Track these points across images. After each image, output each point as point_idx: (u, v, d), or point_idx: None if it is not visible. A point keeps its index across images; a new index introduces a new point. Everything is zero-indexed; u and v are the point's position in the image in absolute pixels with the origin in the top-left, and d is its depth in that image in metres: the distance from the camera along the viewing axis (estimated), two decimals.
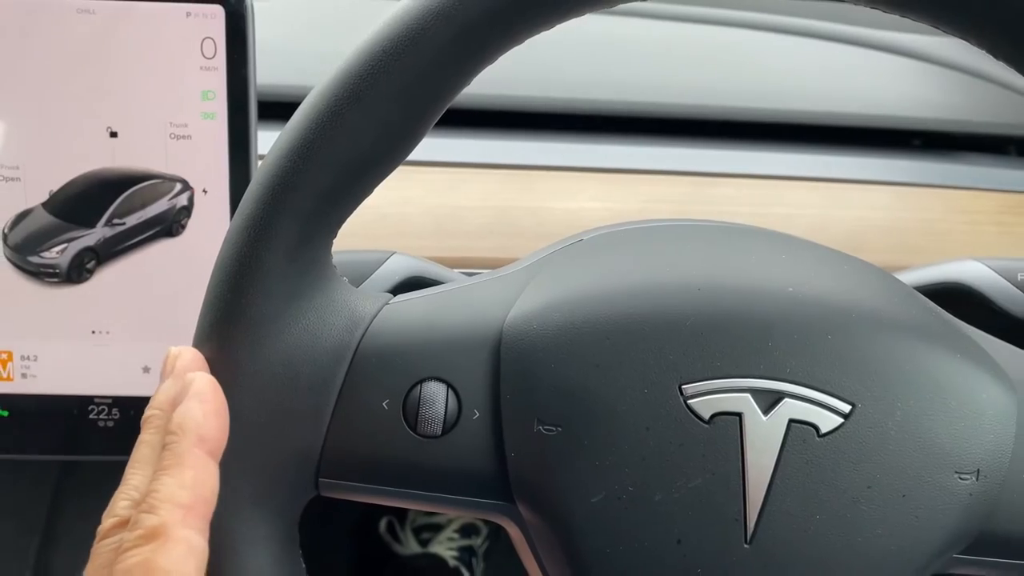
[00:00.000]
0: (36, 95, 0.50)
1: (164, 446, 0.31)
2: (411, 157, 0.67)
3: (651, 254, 0.35)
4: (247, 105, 0.50)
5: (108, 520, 0.31)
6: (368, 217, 0.63)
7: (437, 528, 1.04)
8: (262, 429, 0.32)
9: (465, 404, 0.33)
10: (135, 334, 0.52)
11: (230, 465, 0.32)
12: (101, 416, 0.52)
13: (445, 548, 1.00)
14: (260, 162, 0.34)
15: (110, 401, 0.52)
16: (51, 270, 0.51)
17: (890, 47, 0.70)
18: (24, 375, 0.52)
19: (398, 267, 0.45)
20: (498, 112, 0.68)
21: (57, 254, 0.51)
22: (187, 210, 0.51)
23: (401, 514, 1.03)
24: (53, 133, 0.50)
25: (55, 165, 0.50)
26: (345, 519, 1.01)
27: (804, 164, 0.67)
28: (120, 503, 0.31)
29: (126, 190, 0.51)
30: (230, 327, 0.32)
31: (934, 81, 0.73)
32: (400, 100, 0.32)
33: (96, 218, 0.51)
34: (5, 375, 0.52)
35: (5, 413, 0.52)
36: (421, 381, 0.33)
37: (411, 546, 1.00)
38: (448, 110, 0.69)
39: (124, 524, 0.30)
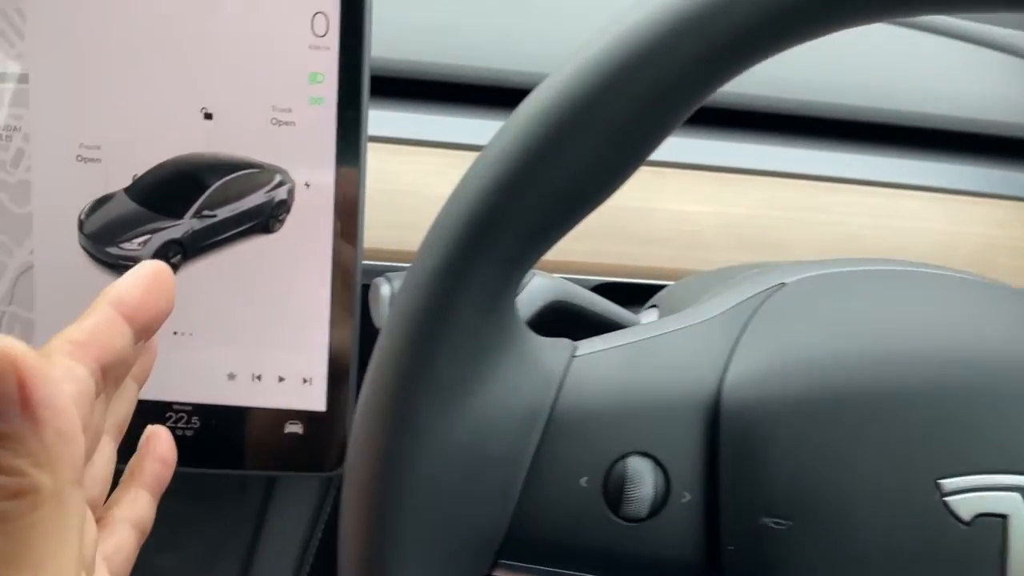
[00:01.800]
0: (124, 66, 0.44)
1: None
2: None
3: (878, 308, 0.30)
4: (360, 91, 0.45)
5: None
6: None
7: None
8: (442, 506, 0.28)
9: (675, 484, 0.28)
10: (220, 337, 0.47)
11: (402, 542, 0.27)
12: (179, 424, 0.48)
13: None
14: (454, 192, 0.29)
15: (190, 408, 0.48)
16: (132, 263, 0.46)
17: None
18: None
19: (540, 290, 0.40)
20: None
21: (139, 246, 0.46)
22: (286, 205, 0.46)
23: None
24: (141, 111, 0.45)
25: (141, 147, 0.45)
26: None
27: (926, 172, 0.62)
28: None
29: (219, 179, 0.46)
30: (413, 390, 0.28)
31: None
32: (628, 128, 0.27)
33: (184, 208, 0.46)
34: None
35: None
36: (625, 455, 0.29)
37: None
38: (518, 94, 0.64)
39: None
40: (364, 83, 0.45)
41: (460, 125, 0.60)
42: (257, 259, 0.46)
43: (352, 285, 0.47)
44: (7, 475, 0.24)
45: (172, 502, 0.72)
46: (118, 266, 0.46)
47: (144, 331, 0.32)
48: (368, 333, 0.51)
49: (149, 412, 0.47)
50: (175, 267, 0.46)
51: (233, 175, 0.46)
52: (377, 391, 0.28)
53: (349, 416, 0.48)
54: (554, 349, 0.30)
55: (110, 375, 0.31)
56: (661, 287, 0.50)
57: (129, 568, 0.34)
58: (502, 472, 0.28)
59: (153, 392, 0.47)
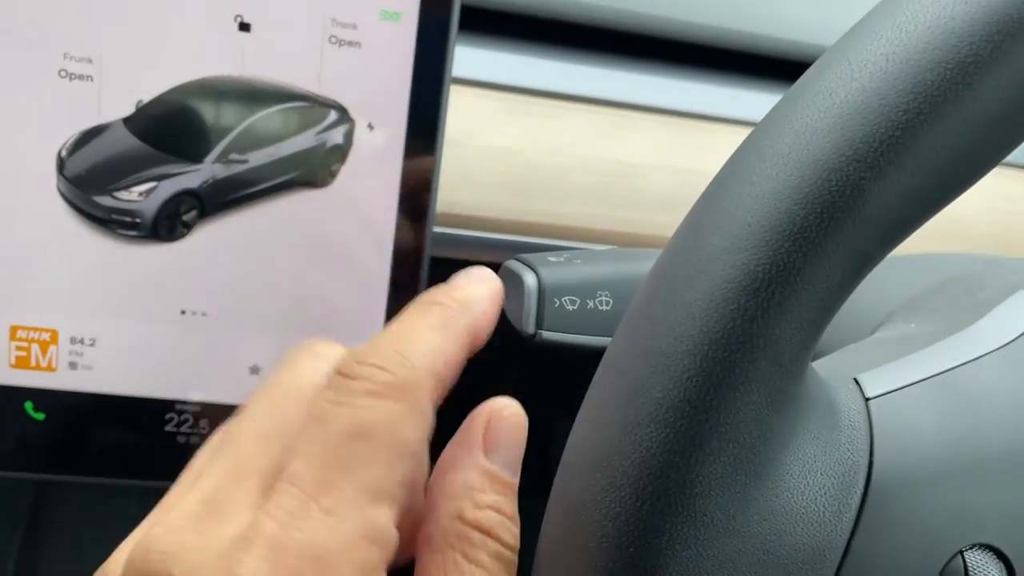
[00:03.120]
0: None
1: (435, 303, 0.25)
2: (558, 88, 0.52)
3: None
4: (450, 5, 0.34)
5: (346, 364, 0.22)
6: (514, 167, 0.49)
7: None
8: None
9: None
10: (244, 320, 0.36)
11: None
12: (183, 429, 0.37)
13: None
14: (729, 196, 0.19)
15: (197, 409, 0.37)
16: (129, 219, 0.35)
17: None
18: (74, 365, 0.36)
19: None
20: (665, 41, 0.53)
21: (140, 196, 0.35)
22: (341, 151, 0.35)
23: None
24: (151, 13, 0.33)
25: (149, 63, 0.33)
26: None
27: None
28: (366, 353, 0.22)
29: (254, 113, 0.34)
30: (695, 459, 0.18)
31: None
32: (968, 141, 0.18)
33: (204, 149, 0.35)
34: (45, 363, 0.36)
35: (41, 416, 0.36)
36: (962, 550, 0.20)
37: None
38: (604, 35, 0.54)
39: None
40: None
41: (510, 63, 0.49)
42: (298, 220, 0.35)
43: (420, 260, 0.37)
44: None
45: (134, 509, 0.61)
46: (110, 222, 0.34)
47: None
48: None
49: (143, 412, 0.36)
50: (188, 226, 0.35)
51: (273, 108, 0.34)
52: (628, 454, 0.18)
53: None
54: (843, 388, 0.21)
55: None
56: None
57: None
58: (809, 570, 0.19)
59: (150, 387, 0.36)
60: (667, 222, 0.48)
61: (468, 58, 0.49)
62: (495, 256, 0.47)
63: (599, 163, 0.48)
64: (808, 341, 0.19)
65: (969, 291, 0.27)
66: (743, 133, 0.52)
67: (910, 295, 0.30)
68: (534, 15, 0.50)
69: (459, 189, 0.45)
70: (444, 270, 0.42)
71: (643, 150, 0.49)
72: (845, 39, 0.20)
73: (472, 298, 0.25)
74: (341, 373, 0.22)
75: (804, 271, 0.18)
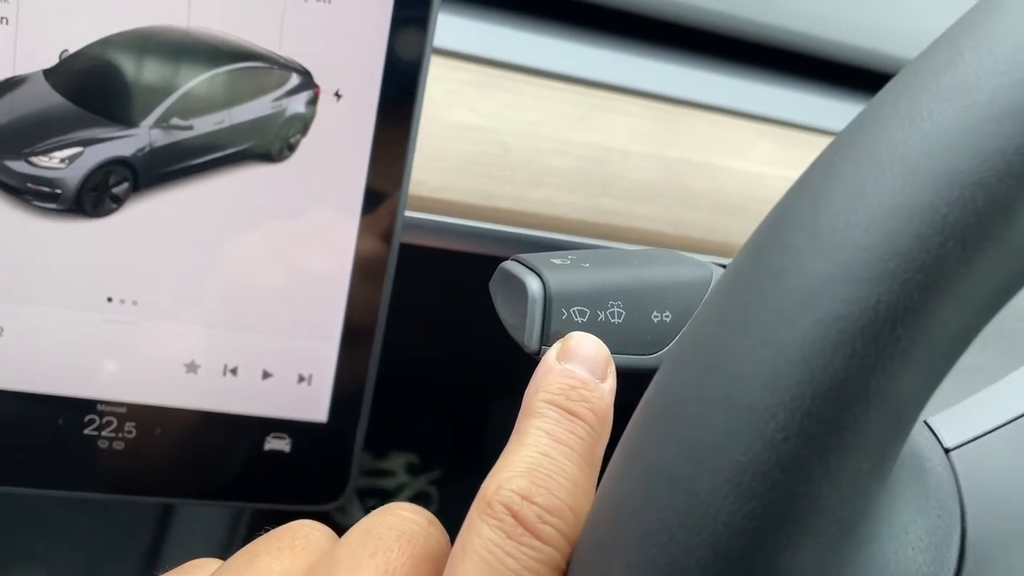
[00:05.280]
0: None
1: (576, 418, 0.22)
2: (534, 64, 0.48)
3: None
4: None
5: (504, 492, 0.20)
6: (490, 148, 0.44)
7: (384, 495, 0.87)
8: None
9: None
10: (181, 311, 0.31)
11: None
12: (105, 433, 0.32)
13: None
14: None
15: (123, 411, 0.32)
16: (47, 188, 0.30)
17: None
18: None
19: None
20: (650, 20, 0.49)
21: (62, 163, 0.30)
22: (303, 121, 0.30)
23: None
24: None
25: (79, 7, 0.28)
26: None
27: None
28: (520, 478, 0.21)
29: (202, 72, 0.29)
30: (784, 560, 0.14)
31: None
32: None
33: (141, 112, 0.30)
34: None
35: None
36: None
37: (356, 515, 0.83)
38: (586, 9, 0.50)
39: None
40: None
41: (483, 32, 0.45)
42: (248, 198, 0.31)
43: (387, 248, 0.32)
44: None
45: (47, 508, 0.55)
46: (25, 191, 0.29)
47: None
48: (402, 306, 0.37)
49: (60, 412, 0.32)
50: (118, 200, 0.30)
51: (224, 68, 0.30)
52: (697, 529, 0.14)
53: (359, 432, 0.34)
54: (919, 437, 0.18)
55: None
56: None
57: None
58: None
59: (68, 384, 0.31)
60: (648, 214, 0.45)
61: (439, 25, 0.44)
62: (465, 245, 0.43)
63: (576, 147, 0.44)
64: (927, 395, 0.15)
65: (1017, 314, 0.25)
66: (728, 122, 0.49)
67: None
68: None
69: (423, 168, 0.41)
70: (409, 258, 0.37)
71: (622, 135, 0.46)
72: (974, 20, 0.16)
73: (607, 412, 0.22)
74: (512, 511, 0.20)
75: (938, 311, 0.14)
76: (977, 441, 0.18)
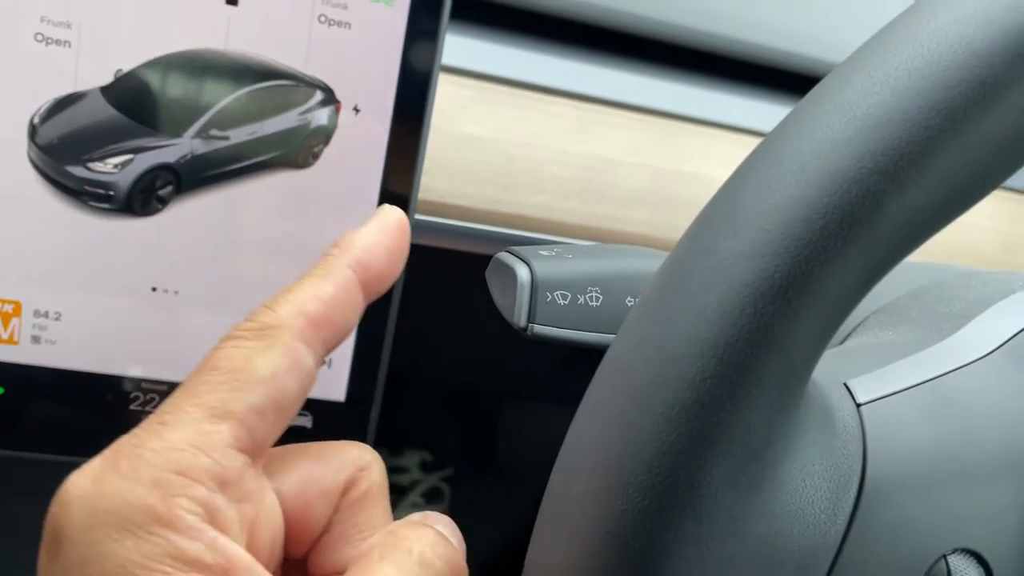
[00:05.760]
0: None
1: (322, 253, 0.27)
2: (534, 80, 0.52)
3: None
4: None
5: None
6: (494, 159, 0.48)
7: (399, 490, 0.91)
8: None
9: None
10: (216, 300, 0.36)
11: None
12: (149, 408, 0.36)
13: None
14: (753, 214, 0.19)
15: (165, 389, 0.36)
16: (102, 191, 0.34)
17: None
18: (36, 339, 0.35)
19: None
20: (643, 39, 0.53)
21: (115, 168, 0.34)
22: (325, 133, 0.35)
23: None
24: None
25: (131, 31, 0.32)
26: None
27: None
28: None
29: (238, 89, 0.34)
30: (707, 457, 0.18)
31: None
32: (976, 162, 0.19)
33: (184, 124, 0.34)
34: (7, 336, 0.35)
35: (0, 390, 0.35)
36: (946, 554, 0.21)
37: None
38: (582, 30, 0.54)
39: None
40: None
41: (490, 52, 0.49)
42: (277, 201, 0.35)
43: None
44: None
45: None
46: (82, 193, 0.34)
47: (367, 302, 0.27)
48: (413, 306, 0.40)
49: (107, 389, 0.36)
50: (163, 202, 0.34)
51: (257, 85, 0.34)
52: (635, 454, 0.18)
53: (374, 411, 0.38)
54: (835, 392, 0.22)
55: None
56: None
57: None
58: (803, 571, 0.19)
59: (115, 364, 0.35)
60: (639, 218, 0.49)
61: (446, 45, 0.48)
62: (470, 246, 0.47)
63: (573, 157, 0.48)
64: (818, 348, 0.19)
65: (944, 301, 0.28)
66: (714, 134, 0.53)
67: (881, 303, 0.30)
68: (512, 5, 0.50)
69: (433, 175, 0.45)
70: (418, 258, 0.41)
71: (617, 146, 0.49)
72: (863, 53, 0.20)
73: (355, 236, 0.27)
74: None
75: (821, 279, 0.18)
76: (885, 399, 0.22)
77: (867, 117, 0.19)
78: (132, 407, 0.36)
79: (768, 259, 0.18)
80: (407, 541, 0.24)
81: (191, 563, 0.21)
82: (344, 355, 0.37)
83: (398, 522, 0.26)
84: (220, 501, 0.22)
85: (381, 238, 0.27)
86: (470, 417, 0.89)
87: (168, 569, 0.21)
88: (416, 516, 0.26)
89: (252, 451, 0.23)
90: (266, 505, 0.24)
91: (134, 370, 0.36)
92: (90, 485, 0.22)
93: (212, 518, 0.22)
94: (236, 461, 0.23)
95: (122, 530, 0.21)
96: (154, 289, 0.35)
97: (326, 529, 0.26)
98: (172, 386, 0.36)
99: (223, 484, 0.22)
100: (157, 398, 0.36)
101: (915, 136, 0.18)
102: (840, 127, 0.19)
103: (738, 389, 0.18)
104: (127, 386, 0.36)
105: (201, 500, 0.22)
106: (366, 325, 0.37)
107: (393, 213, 0.28)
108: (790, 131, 0.20)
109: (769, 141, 0.20)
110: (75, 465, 0.38)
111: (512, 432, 0.90)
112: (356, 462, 0.26)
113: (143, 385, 0.36)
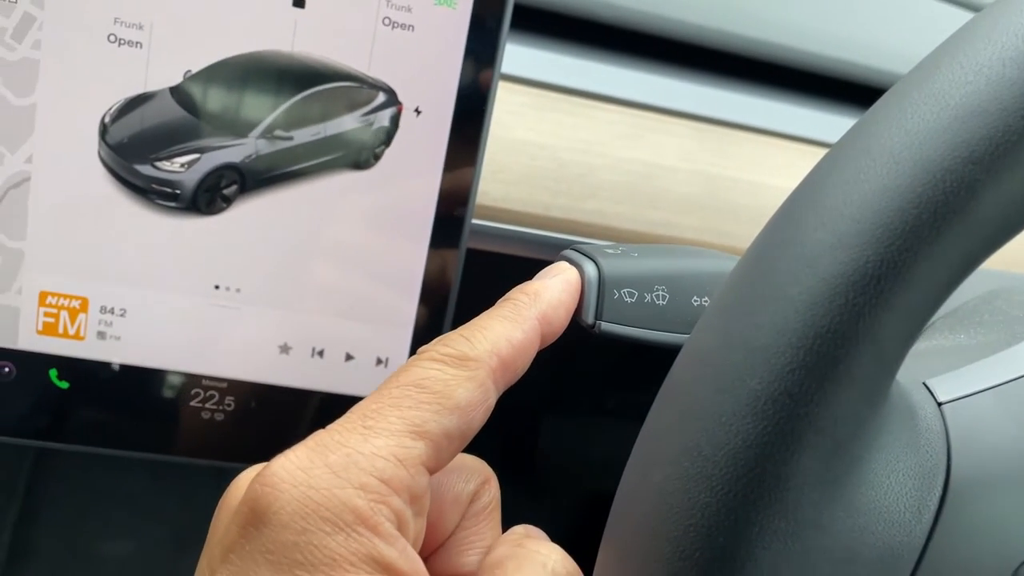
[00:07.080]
0: None
1: (508, 298, 0.28)
2: (587, 87, 0.52)
3: None
4: None
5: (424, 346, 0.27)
6: (547, 164, 0.48)
7: None
8: None
9: None
10: (277, 299, 0.36)
11: None
12: (208, 405, 0.37)
13: None
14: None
15: (224, 386, 0.36)
16: (169, 189, 0.34)
17: None
18: (102, 335, 0.35)
19: None
20: (694, 47, 0.53)
21: (182, 167, 0.34)
22: (388, 134, 0.35)
23: None
24: None
25: (200, 33, 0.33)
26: None
27: None
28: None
29: (302, 90, 0.34)
30: (790, 468, 0.18)
31: None
32: None
33: (250, 124, 0.34)
34: (73, 331, 0.35)
35: (64, 385, 0.36)
36: None
37: None
38: (633, 38, 0.54)
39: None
40: None
41: (544, 60, 0.49)
42: (339, 201, 0.35)
43: (457, 247, 0.36)
44: None
45: (134, 485, 0.60)
46: (150, 191, 0.34)
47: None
48: (468, 311, 0.41)
49: (169, 385, 0.36)
50: (228, 201, 0.35)
51: (321, 87, 0.34)
52: (722, 444, 0.18)
53: None
54: (916, 391, 0.22)
55: None
56: None
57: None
58: (887, 569, 0.19)
59: (178, 361, 0.36)
60: (691, 224, 0.49)
61: (505, 53, 0.49)
62: (522, 250, 0.47)
63: (625, 163, 0.48)
64: (908, 341, 0.19)
65: (1017, 306, 0.28)
66: (765, 141, 0.53)
67: (949, 307, 0.30)
68: (564, 14, 0.50)
69: (487, 180, 0.45)
70: (474, 261, 0.42)
71: (668, 153, 0.49)
72: (951, 45, 0.20)
73: (542, 289, 0.28)
74: (419, 351, 0.25)
75: (913, 270, 0.18)
76: (967, 398, 0.22)
77: (961, 107, 0.18)
78: (193, 403, 0.36)
79: (859, 249, 0.18)
80: (539, 556, 0.25)
81: (386, 568, 0.22)
82: (400, 353, 0.37)
83: (518, 535, 0.27)
84: (408, 514, 0.23)
85: (564, 296, 0.28)
86: (510, 429, 0.89)
87: (369, 569, 0.21)
88: (520, 529, 0.27)
89: (433, 471, 0.24)
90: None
91: (196, 366, 0.36)
92: (301, 474, 0.22)
93: (402, 528, 0.23)
94: (424, 479, 0.24)
95: (333, 525, 0.22)
96: (217, 287, 0.35)
97: (450, 535, 0.27)
98: (230, 383, 0.36)
99: (413, 498, 0.23)
100: (217, 395, 0.37)
101: (1011, 126, 0.18)
102: (933, 117, 0.19)
103: (827, 381, 0.18)
104: (188, 382, 0.36)
105: (397, 510, 0.22)
106: (423, 324, 0.37)
107: (571, 272, 0.29)
108: (877, 123, 0.19)
109: (853, 135, 0.20)
110: (113, 460, 0.38)
111: (550, 445, 0.90)
112: (481, 474, 0.28)
113: (204, 382, 0.36)
